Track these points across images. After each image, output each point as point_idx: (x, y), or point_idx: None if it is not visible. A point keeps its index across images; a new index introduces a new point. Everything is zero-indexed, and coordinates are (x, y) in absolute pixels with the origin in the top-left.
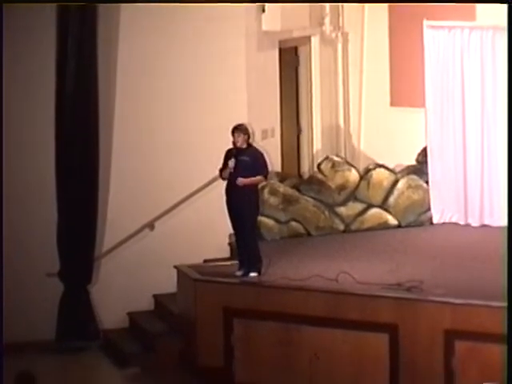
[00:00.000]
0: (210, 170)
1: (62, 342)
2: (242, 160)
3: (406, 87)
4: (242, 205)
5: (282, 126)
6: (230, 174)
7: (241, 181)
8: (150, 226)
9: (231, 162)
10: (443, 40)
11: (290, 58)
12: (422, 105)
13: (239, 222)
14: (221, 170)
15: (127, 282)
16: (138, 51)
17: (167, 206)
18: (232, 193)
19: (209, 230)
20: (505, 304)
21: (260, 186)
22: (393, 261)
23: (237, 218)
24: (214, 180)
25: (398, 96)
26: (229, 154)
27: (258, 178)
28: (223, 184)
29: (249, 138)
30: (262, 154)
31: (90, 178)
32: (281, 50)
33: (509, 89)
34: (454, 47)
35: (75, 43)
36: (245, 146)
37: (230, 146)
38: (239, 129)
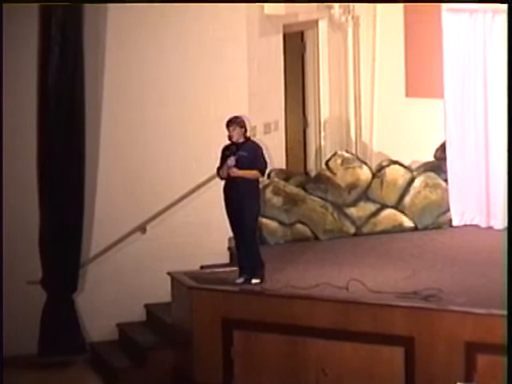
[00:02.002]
0: (207, 168)
1: (45, 356)
2: (240, 155)
3: (422, 76)
4: (242, 205)
5: (287, 118)
6: (228, 172)
7: (233, 171)
8: (142, 228)
9: (231, 160)
10: (464, 24)
11: (296, 44)
12: (441, 95)
13: (239, 223)
14: (218, 169)
15: (116, 291)
16: (129, 38)
17: (160, 206)
18: (231, 192)
19: (206, 233)
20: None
21: (262, 184)
22: (408, 267)
23: (236, 219)
24: (211, 178)
25: (414, 86)
26: (226, 151)
27: (254, 172)
28: (221, 183)
29: (246, 131)
30: (260, 148)
31: (75, 177)
32: (285, 36)
33: (509, 87)
34: (475, 32)
35: (59, 31)
36: (241, 140)
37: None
38: (234, 121)
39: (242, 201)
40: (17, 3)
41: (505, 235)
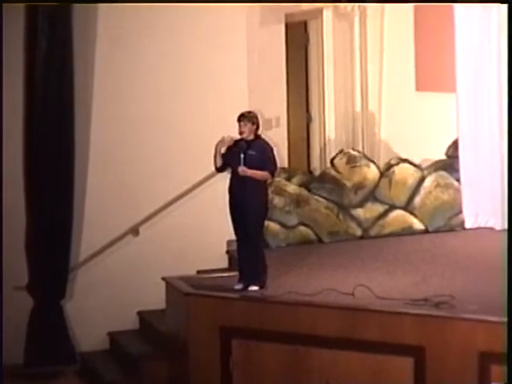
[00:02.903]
0: (204, 166)
1: (31, 367)
2: (248, 154)
3: (434, 68)
4: (249, 206)
5: (289, 114)
6: (234, 170)
7: (243, 170)
8: (135, 231)
9: (239, 159)
10: (477, 15)
11: (299, 35)
12: (453, 89)
13: (243, 225)
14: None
15: (107, 297)
16: (120, 31)
17: (154, 207)
18: (237, 192)
19: (203, 235)
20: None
21: None
22: (418, 272)
23: (241, 221)
24: (209, 177)
25: (424, 79)
26: (233, 146)
27: (264, 173)
28: (220, 181)
29: (257, 128)
30: (271, 148)
31: (63, 176)
32: (287, 26)
33: (509, 87)
34: (489, 22)
35: (47, 25)
36: (252, 137)
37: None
38: (246, 116)
39: (249, 202)
40: (17, 3)
41: (505, 237)
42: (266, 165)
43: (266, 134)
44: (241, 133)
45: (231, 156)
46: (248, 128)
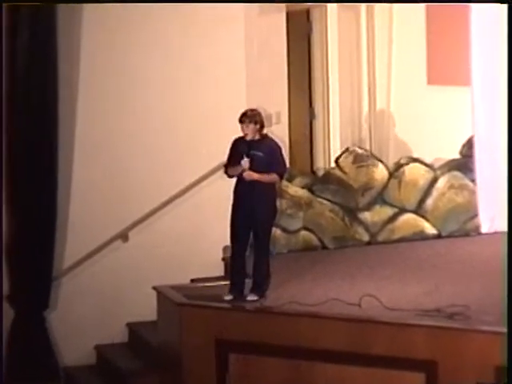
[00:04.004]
0: (198, 166)
1: (12, 383)
2: (255, 156)
3: (447, 60)
4: (258, 209)
5: (290, 109)
6: (241, 173)
7: (249, 174)
8: (123, 236)
9: (244, 162)
10: (494, 5)
11: (301, 24)
12: (468, 83)
13: (246, 230)
14: (226, 166)
15: (94, 308)
16: (108, 23)
17: (145, 211)
18: (244, 195)
19: (197, 241)
20: None
21: None
22: (431, 280)
23: (246, 226)
24: (203, 178)
25: (436, 72)
26: (238, 146)
27: (272, 176)
28: (216, 182)
29: (262, 127)
30: (279, 148)
31: (46, 175)
32: (288, 14)
33: (509, 87)
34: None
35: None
36: (257, 137)
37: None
38: (248, 116)
39: (257, 205)
40: (17, 3)
41: (504, 240)
42: (275, 166)
43: (265, 132)
44: (245, 134)
45: (237, 157)
46: (251, 129)
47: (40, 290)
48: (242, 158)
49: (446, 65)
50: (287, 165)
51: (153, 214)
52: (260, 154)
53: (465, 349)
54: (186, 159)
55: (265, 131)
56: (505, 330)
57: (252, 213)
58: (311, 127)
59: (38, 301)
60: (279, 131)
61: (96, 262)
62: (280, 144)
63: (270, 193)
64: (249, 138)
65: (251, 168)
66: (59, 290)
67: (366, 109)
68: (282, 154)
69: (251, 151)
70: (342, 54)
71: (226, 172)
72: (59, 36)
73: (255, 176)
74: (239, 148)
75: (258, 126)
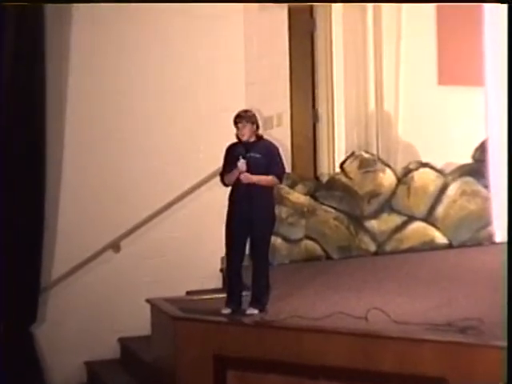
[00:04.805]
0: (192, 173)
1: None
2: (252, 158)
3: (458, 59)
4: (256, 217)
5: (293, 111)
6: (238, 175)
7: (246, 176)
8: (115, 246)
9: (241, 163)
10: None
11: (304, 21)
12: (481, 83)
13: (243, 239)
14: (222, 174)
15: (84, 322)
16: (99, 17)
17: (137, 220)
18: (240, 201)
19: (194, 251)
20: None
21: None
22: (442, 292)
23: (243, 235)
24: (200, 184)
25: (448, 71)
26: (232, 152)
27: (270, 178)
28: (214, 188)
29: (258, 128)
30: (277, 149)
31: (33, 181)
32: (290, 10)
33: (509, 87)
34: None
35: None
36: (253, 139)
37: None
38: (244, 117)
39: (254, 213)
40: (17, 3)
41: (505, 248)
42: (273, 168)
43: (266, 134)
44: (241, 135)
45: (233, 162)
46: (248, 129)
47: (27, 303)
48: (239, 160)
49: (457, 64)
50: (286, 168)
51: (146, 223)
52: (257, 155)
53: (477, 366)
54: (183, 163)
55: (265, 134)
56: None
57: (249, 220)
58: (314, 130)
59: (24, 315)
60: (280, 134)
61: (86, 274)
62: (277, 145)
63: (268, 198)
64: (245, 138)
65: (248, 171)
66: (47, 303)
67: (372, 110)
68: (280, 156)
69: (248, 153)
70: (347, 52)
71: (221, 181)
72: (49, 35)
73: (253, 178)
74: (235, 152)
75: (254, 127)
